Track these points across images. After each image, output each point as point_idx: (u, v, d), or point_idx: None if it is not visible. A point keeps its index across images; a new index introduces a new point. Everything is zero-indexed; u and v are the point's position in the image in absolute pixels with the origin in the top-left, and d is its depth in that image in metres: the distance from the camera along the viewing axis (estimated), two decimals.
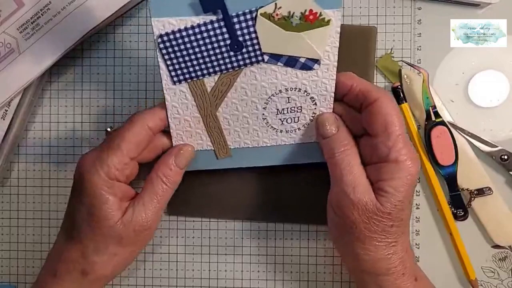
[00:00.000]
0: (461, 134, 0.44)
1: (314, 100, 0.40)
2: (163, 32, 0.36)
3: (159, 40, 0.37)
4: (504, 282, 0.45)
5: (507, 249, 0.45)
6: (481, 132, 0.45)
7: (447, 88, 0.45)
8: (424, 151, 0.44)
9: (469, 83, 0.45)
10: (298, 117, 0.41)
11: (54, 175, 0.48)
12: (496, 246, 0.45)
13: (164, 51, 0.37)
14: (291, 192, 0.45)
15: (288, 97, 0.40)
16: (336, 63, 0.38)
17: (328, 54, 0.38)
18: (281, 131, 0.41)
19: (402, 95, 0.44)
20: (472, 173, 0.44)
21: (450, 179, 0.44)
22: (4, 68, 0.44)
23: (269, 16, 0.36)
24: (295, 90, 0.39)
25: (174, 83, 0.39)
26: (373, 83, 0.45)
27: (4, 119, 0.45)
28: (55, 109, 0.48)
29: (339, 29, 0.37)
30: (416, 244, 0.46)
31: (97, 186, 0.37)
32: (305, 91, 0.39)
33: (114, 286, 0.48)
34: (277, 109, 0.40)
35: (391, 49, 0.46)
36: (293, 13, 0.36)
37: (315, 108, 0.40)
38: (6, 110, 0.45)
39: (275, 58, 0.38)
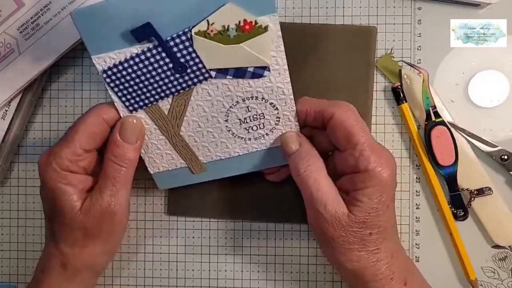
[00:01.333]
0: (461, 134, 0.44)
1: (274, 105, 0.39)
2: (105, 67, 0.37)
3: (104, 75, 0.37)
4: (504, 282, 0.45)
5: (507, 249, 0.45)
6: (481, 132, 0.45)
7: (447, 88, 0.45)
8: (424, 151, 0.44)
9: (469, 83, 0.45)
10: (263, 123, 0.40)
11: None
12: (496, 246, 0.45)
13: (112, 85, 0.37)
14: (291, 192, 0.45)
15: (247, 106, 0.39)
16: (286, 66, 0.37)
17: (275, 59, 0.37)
18: (249, 139, 0.41)
19: (402, 95, 0.44)
20: (472, 173, 0.44)
21: (450, 179, 0.44)
22: (4, 68, 0.44)
23: (204, 34, 0.35)
24: (252, 99, 0.39)
25: (131, 111, 0.39)
26: (373, 83, 0.45)
27: (4, 119, 0.45)
28: (55, 109, 0.48)
29: (280, 33, 0.36)
30: (416, 244, 0.46)
31: (52, 179, 0.38)
32: (263, 98, 0.39)
33: (114, 286, 0.48)
34: (239, 119, 0.40)
35: (391, 49, 0.46)
36: (228, 26, 0.35)
37: (277, 113, 0.39)
38: (6, 110, 0.45)
39: (223, 72, 0.37)
